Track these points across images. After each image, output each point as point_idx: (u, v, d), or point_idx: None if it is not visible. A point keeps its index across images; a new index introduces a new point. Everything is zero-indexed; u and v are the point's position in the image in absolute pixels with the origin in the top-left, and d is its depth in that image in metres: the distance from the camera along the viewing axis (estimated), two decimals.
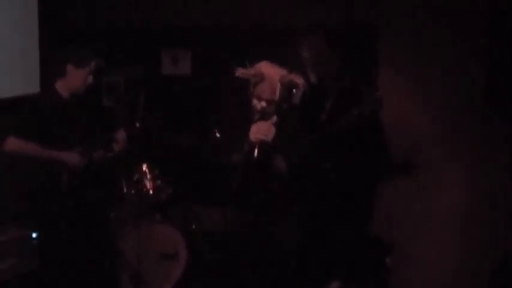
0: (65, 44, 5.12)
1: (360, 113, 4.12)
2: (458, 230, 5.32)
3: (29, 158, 4.46)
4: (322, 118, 4.59)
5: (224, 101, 5.69)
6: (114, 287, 5.07)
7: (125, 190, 5.32)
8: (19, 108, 4.60)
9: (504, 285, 5.00)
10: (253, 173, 4.18)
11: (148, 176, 5.36)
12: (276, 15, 5.54)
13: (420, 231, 5.35)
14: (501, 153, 5.12)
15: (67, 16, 5.90)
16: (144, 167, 5.37)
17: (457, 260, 5.31)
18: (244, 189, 4.28)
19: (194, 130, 5.64)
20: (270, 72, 4.16)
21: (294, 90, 4.19)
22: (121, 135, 4.72)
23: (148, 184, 5.34)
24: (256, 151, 4.08)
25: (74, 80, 4.51)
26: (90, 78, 4.56)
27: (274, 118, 4.13)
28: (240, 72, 4.15)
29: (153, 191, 5.34)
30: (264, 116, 4.18)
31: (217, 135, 4.78)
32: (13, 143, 4.41)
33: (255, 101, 4.19)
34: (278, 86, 4.12)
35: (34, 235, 4.90)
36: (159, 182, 5.40)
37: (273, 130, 4.09)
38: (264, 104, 4.16)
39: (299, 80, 4.16)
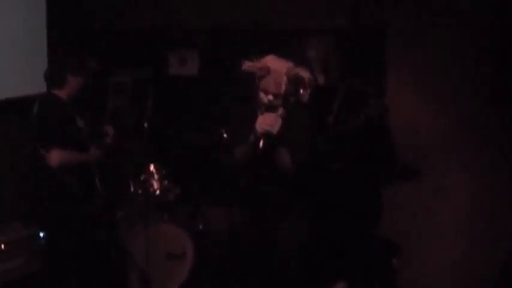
0: (72, 45, 5.15)
1: (367, 116, 4.12)
2: (465, 231, 5.32)
3: (70, 166, 4.49)
4: (329, 119, 4.60)
5: (231, 101, 5.70)
6: (122, 287, 5.09)
7: (132, 190, 5.33)
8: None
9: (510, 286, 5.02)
10: (259, 165, 4.17)
11: (155, 176, 5.37)
12: (284, 16, 5.54)
13: (426, 232, 5.36)
14: (508, 155, 5.13)
15: (75, 17, 5.91)
16: (152, 167, 5.39)
17: (463, 261, 5.31)
18: (251, 187, 4.28)
19: (201, 130, 5.65)
20: (276, 66, 4.12)
21: (302, 90, 4.17)
22: (109, 129, 4.81)
23: (155, 184, 5.36)
24: (261, 142, 4.06)
25: (72, 87, 4.58)
26: (85, 81, 4.63)
27: (281, 110, 4.11)
28: (246, 65, 4.13)
29: (160, 191, 5.36)
30: (271, 108, 4.16)
31: (225, 135, 4.79)
32: (58, 155, 4.42)
33: (261, 95, 4.16)
34: (284, 79, 4.10)
35: (41, 235, 4.89)
36: (166, 182, 5.42)
37: (279, 122, 4.04)
38: (270, 97, 4.13)
39: (305, 74, 4.12)
